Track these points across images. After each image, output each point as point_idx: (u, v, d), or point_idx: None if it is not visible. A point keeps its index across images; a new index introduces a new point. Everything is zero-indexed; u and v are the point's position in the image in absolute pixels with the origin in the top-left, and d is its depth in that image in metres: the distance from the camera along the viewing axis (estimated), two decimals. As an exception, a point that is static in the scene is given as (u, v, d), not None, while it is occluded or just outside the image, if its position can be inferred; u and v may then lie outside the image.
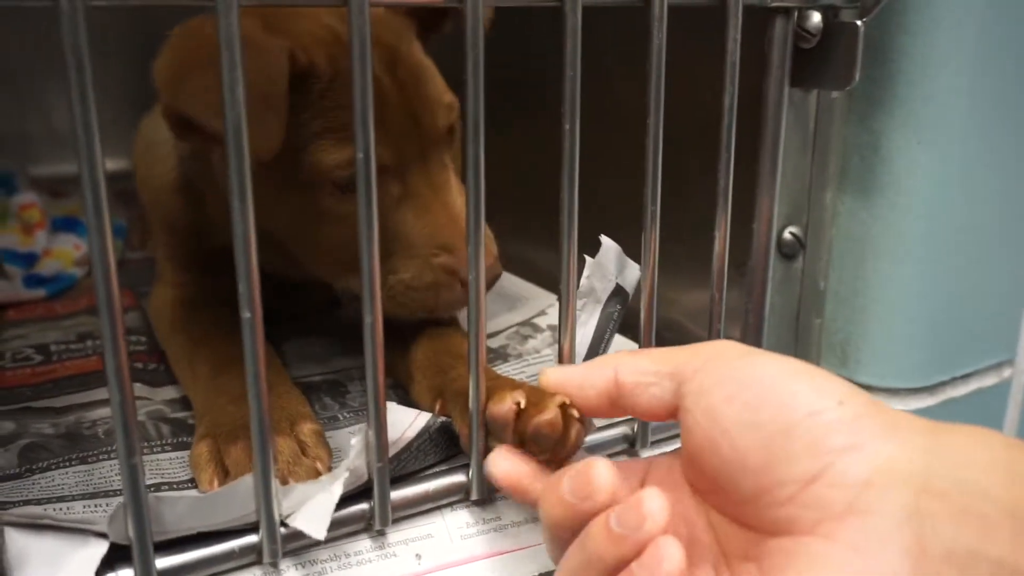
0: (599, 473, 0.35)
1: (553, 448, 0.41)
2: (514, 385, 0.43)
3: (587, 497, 0.35)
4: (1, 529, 0.35)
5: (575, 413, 0.41)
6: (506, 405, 0.41)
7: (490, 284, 0.50)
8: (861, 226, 0.57)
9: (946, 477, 0.31)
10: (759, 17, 0.49)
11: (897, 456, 0.32)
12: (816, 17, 0.49)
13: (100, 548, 0.37)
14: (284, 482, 0.43)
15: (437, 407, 0.48)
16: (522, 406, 0.41)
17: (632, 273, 0.50)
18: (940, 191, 0.55)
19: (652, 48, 0.44)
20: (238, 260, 0.36)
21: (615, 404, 0.39)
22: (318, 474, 0.44)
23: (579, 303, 0.48)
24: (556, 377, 0.41)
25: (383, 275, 0.48)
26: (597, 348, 0.49)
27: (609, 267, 0.50)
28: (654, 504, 0.33)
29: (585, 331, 0.49)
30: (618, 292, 0.50)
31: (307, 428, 0.47)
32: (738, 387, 0.35)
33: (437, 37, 0.55)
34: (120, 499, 0.44)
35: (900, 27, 0.52)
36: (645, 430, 0.49)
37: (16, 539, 0.36)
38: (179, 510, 0.38)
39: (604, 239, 0.49)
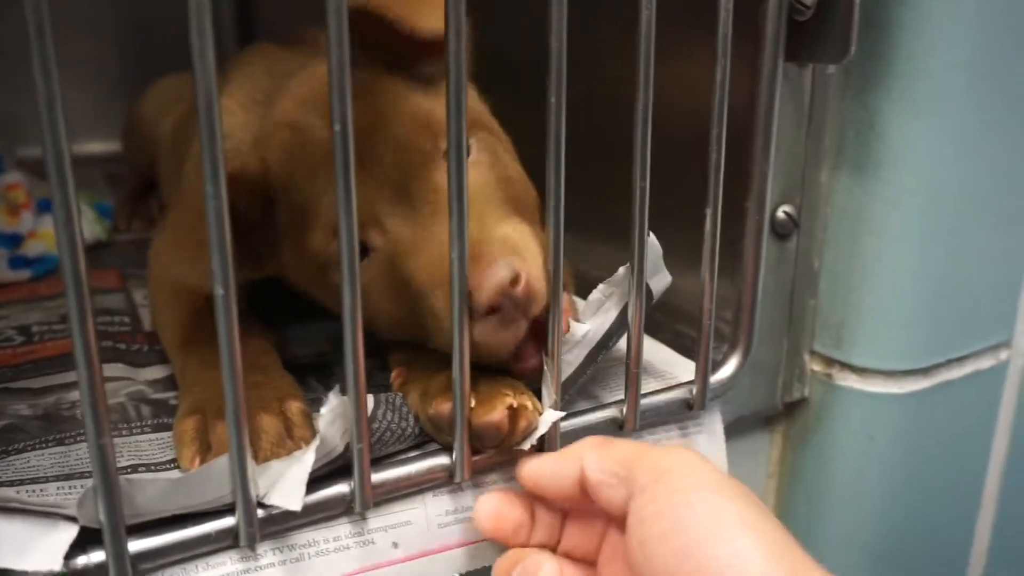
0: None
1: (498, 445, 0.43)
2: (471, 379, 0.42)
3: None
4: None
5: (525, 411, 0.43)
6: (448, 407, 0.42)
7: (533, 288, 0.44)
8: (856, 204, 0.55)
9: None
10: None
11: None
12: (811, -12, 0.48)
13: (70, 532, 0.36)
14: (266, 462, 0.42)
15: (395, 374, 0.48)
16: (472, 405, 0.42)
17: (663, 280, 0.49)
18: (937, 168, 0.54)
19: (641, 20, 0.42)
20: (212, 235, 0.35)
21: (584, 495, 0.41)
22: None
23: (608, 290, 0.47)
24: (529, 473, 0.43)
25: (420, 332, 0.47)
26: (606, 343, 0.48)
27: (647, 265, 0.48)
28: None
29: (604, 319, 0.47)
30: (645, 293, 0.50)
31: (295, 407, 0.45)
32: (671, 528, 0.36)
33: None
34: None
35: (897, 0, 0.51)
36: (635, 414, 0.48)
37: None
38: (152, 492, 0.37)
39: (651, 237, 0.47)
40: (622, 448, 0.40)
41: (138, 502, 0.37)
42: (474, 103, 0.52)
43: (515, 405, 0.42)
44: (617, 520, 0.41)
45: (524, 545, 0.43)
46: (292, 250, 0.50)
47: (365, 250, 0.47)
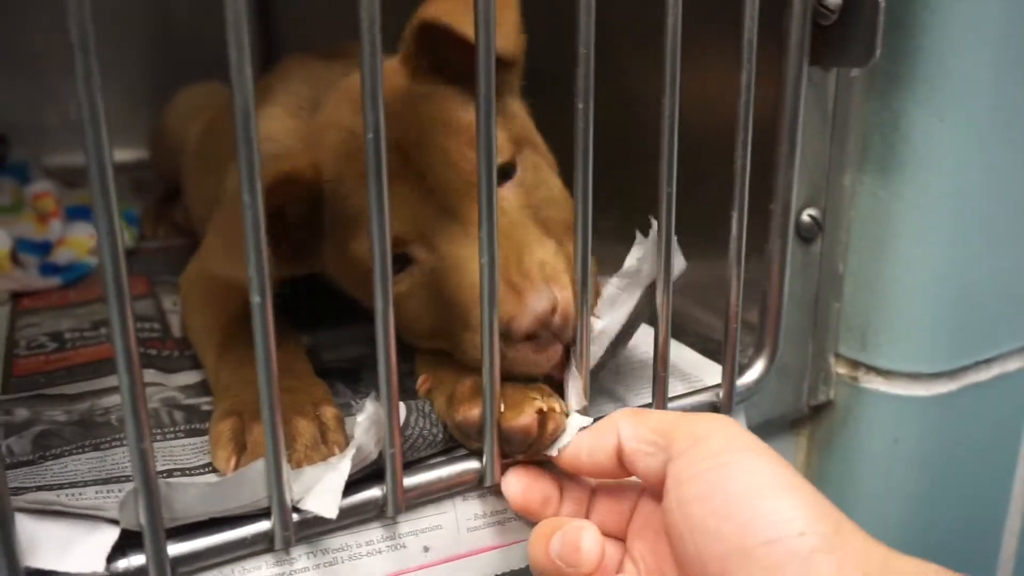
0: (587, 545, 0.40)
1: (526, 450, 0.43)
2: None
3: (572, 565, 0.39)
4: (12, 515, 0.35)
5: (554, 414, 0.43)
6: (476, 412, 0.43)
7: (568, 313, 0.45)
8: (881, 207, 0.55)
9: None
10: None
11: None
12: (835, -7, 0.48)
13: (111, 534, 0.37)
14: (299, 466, 0.42)
15: (420, 380, 0.48)
16: (502, 410, 0.42)
17: (678, 263, 0.48)
18: (962, 170, 0.54)
19: (667, 24, 0.43)
20: (248, 243, 0.36)
21: (622, 466, 0.41)
22: None
23: (622, 282, 0.47)
24: (569, 456, 0.42)
25: (456, 344, 0.47)
26: (625, 337, 0.48)
27: (652, 258, 0.48)
28: None
29: (621, 312, 0.47)
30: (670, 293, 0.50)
31: (330, 412, 0.46)
32: (710, 489, 0.36)
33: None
34: (132, 484, 0.44)
35: (921, 2, 0.51)
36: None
37: (27, 525, 0.36)
38: (190, 496, 0.38)
39: (647, 234, 0.47)
40: (657, 417, 0.41)
41: (176, 506, 0.38)
42: (522, 119, 0.52)
43: (544, 409, 0.42)
44: (651, 489, 0.41)
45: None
46: (336, 251, 0.50)
47: (408, 260, 0.48)
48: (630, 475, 0.41)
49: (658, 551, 0.40)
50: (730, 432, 0.38)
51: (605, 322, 0.47)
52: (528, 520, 0.44)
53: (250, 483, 0.39)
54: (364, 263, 0.48)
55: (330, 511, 0.39)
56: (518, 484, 0.43)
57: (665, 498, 0.38)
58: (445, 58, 0.49)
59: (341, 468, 0.40)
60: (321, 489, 0.39)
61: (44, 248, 0.81)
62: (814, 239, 0.56)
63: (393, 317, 0.45)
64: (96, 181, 0.32)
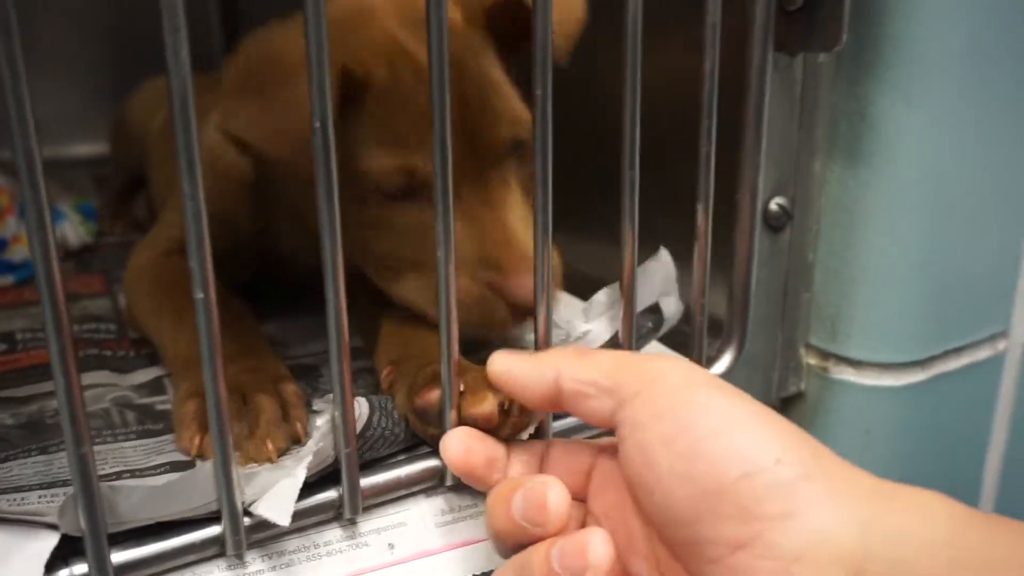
0: (553, 501, 0.35)
1: (494, 431, 0.42)
2: (461, 369, 0.42)
3: (538, 524, 0.35)
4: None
5: (514, 410, 0.41)
6: (435, 394, 0.42)
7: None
8: (850, 195, 0.55)
9: (883, 558, 0.29)
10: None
11: (833, 529, 0.30)
12: (801, -24, 0.47)
13: (50, 540, 0.36)
14: (263, 442, 0.42)
15: (384, 373, 0.48)
16: (460, 392, 0.42)
17: (672, 305, 0.49)
18: (930, 157, 0.53)
19: (628, 11, 0.42)
20: (190, 237, 0.34)
21: (556, 405, 0.38)
22: (298, 438, 0.44)
23: (613, 294, 0.47)
24: (500, 371, 0.39)
25: (428, 283, 0.47)
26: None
27: (654, 280, 0.48)
28: (600, 552, 0.33)
29: (612, 325, 0.47)
30: (654, 311, 0.49)
31: (290, 389, 0.47)
32: (674, 429, 0.33)
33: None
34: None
35: (888, -13, 0.50)
36: None
37: None
38: (134, 500, 0.36)
39: (664, 253, 0.48)
40: (602, 357, 0.37)
41: (121, 509, 0.36)
42: None
43: (505, 405, 0.41)
44: (607, 445, 0.38)
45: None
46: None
47: (419, 193, 0.48)
48: (562, 411, 0.39)
49: (623, 506, 0.37)
50: (687, 369, 0.36)
51: (591, 327, 0.47)
52: (477, 488, 0.41)
53: (200, 486, 0.38)
54: (372, 177, 0.48)
55: (283, 518, 0.37)
56: (459, 445, 0.39)
57: (622, 446, 0.35)
58: (508, 32, 0.50)
59: (297, 474, 0.38)
60: (275, 494, 0.38)
61: (-1, 245, 0.79)
62: (783, 228, 0.55)
63: (371, 253, 0.48)
64: (24, 174, 0.31)
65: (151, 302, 0.57)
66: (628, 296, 0.46)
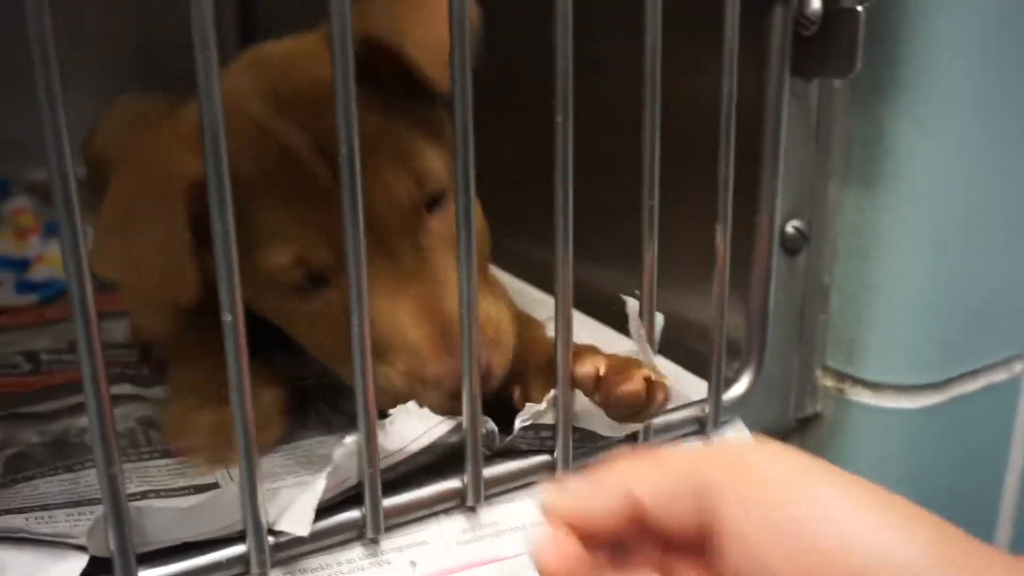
0: None
1: (637, 413, 0.44)
2: (596, 352, 0.45)
3: None
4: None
5: (662, 382, 0.43)
6: (586, 367, 0.43)
7: (496, 376, 0.45)
8: (865, 218, 0.55)
9: None
10: (757, 4, 0.48)
11: None
12: (816, 3, 0.48)
13: (80, 562, 0.36)
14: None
15: (517, 393, 0.47)
16: (601, 372, 0.43)
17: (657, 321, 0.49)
18: (946, 181, 0.54)
19: (647, 31, 0.42)
20: (218, 260, 0.35)
21: (638, 524, 0.33)
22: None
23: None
24: (561, 506, 0.34)
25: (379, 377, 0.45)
26: None
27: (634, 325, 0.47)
28: None
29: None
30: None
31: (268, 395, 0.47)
32: (787, 534, 0.29)
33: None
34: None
35: (901, 12, 0.51)
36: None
37: None
38: (161, 521, 0.37)
39: (629, 301, 0.46)
40: (669, 461, 0.34)
41: (148, 531, 0.37)
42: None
43: (651, 376, 0.43)
44: (679, 543, 0.33)
45: None
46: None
47: (324, 281, 0.45)
48: (635, 534, 0.34)
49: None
50: (772, 451, 0.33)
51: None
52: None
53: (224, 507, 0.38)
54: (268, 275, 0.45)
55: (302, 529, 0.38)
56: (554, 552, 0.33)
57: (721, 545, 0.31)
58: (387, 77, 0.45)
59: (315, 487, 0.39)
60: (295, 508, 0.38)
61: (22, 265, 0.80)
62: (799, 251, 0.56)
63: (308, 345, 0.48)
64: (60, 195, 0.32)
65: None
66: (649, 314, 0.46)
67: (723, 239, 0.47)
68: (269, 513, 0.39)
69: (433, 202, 0.46)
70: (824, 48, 0.49)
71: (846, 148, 0.55)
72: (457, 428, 0.43)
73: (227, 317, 0.35)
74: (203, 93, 0.33)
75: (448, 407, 0.43)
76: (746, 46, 0.46)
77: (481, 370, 0.42)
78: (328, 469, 0.39)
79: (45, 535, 0.37)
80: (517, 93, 0.59)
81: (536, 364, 0.48)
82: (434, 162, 0.46)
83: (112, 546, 0.35)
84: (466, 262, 0.39)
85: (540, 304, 0.68)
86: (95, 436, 0.34)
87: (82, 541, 0.36)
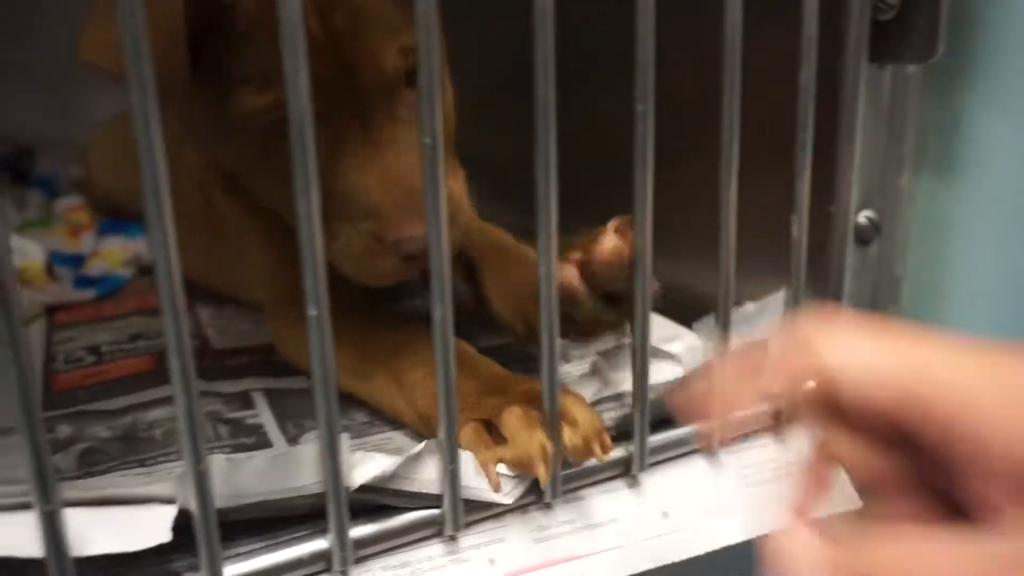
0: None
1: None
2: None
3: None
4: (66, 538, 0.33)
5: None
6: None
7: (418, 249, 0.45)
8: (941, 208, 0.54)
9: None
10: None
11: None
12: (896, -13, 0.47)
13: (170, 510, 0.37)
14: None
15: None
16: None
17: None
18: (1025, 169, 0.52)
19: (727, 23, 0.41)
20: (304, 256, 0.35)
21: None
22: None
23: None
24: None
25: (327, 237, 0.44)
26: None
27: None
28: None
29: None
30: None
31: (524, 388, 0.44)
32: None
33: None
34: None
35: (983, -4, 0.50)
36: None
37: (78, 517, 0.35)
38: (248, 471, 0.37)
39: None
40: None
41: (237, 483, 0.37)
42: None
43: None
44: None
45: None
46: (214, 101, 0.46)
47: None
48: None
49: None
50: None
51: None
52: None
53: (307, 462, 0.39)
54: (244, 117, 0.45)
55: (382, 469, 0.39)
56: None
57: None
58: None
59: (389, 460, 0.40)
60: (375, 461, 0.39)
61: (77, 261, 0.80)
62: (871, 241, 0.55)
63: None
64: (152, 200, 0.31)
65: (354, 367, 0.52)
66: (724, 307, 0.45)
67: (800, 231, 0.46)
68: (353, 479, 0.39)
69: (411, 77, 0.46)
70: (902, 33, 0.48)
71: (919, 136, 0.54)
72: None
73: (312, 312, 0.35)
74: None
75: (402, 270, 0.46)
76: (821, 32, 0.44)
77: (415, 234, 0.43)
78: (416, 449, 0.40)
79: (132, 494, 0.37)
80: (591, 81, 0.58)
81: (491, 265, 0.51)
82: (412, 33, 0.47)
83: (193, 507, 0.35)
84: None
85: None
86: (184, 435, 0.34)
87: (170, 492, 0.37)
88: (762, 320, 0.49)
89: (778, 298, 0.49)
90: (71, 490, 0.37)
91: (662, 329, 0.53)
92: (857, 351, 0.28)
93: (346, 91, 0.45)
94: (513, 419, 0.42)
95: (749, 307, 0.49)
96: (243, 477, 0.38)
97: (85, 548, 0.35)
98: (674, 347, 0.48)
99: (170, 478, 0.39)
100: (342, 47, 0.45)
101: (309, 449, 0.39)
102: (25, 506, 0.35)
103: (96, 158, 0.89)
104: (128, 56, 0.29)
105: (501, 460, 0.41)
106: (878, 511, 0.31)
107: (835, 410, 0.30)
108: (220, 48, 0.45)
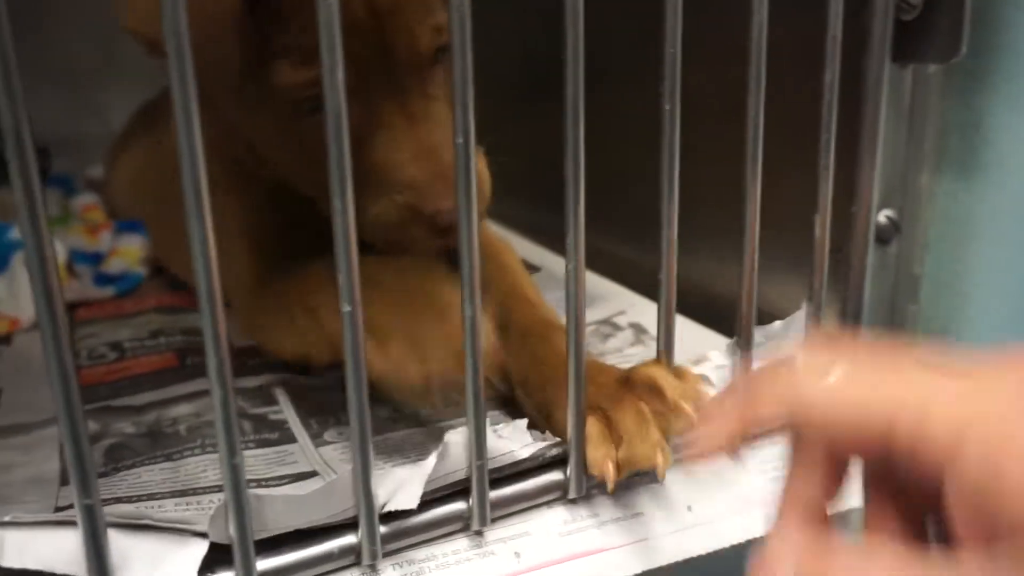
0: None
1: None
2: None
3: None
4: (105, 530, 0.34)
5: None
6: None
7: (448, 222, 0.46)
8: (961, 208, 0.54)
9: None
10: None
11: None
12: (919, -13, 0.47)
13: (201, 547, 0.37)
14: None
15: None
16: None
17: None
18: (1046, 170, 0.52)
19: (753, 26, 0.42)
20: (339, 253, 0.35)
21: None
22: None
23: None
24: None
25: (358, 208, 0.46)
26: None
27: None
28: None
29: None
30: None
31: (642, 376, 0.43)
32: None
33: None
34: (210, 496, 0.44)
35: (1004, -4, 0.50)
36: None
37: (117, 540, 0.36)
38: (279, 508, 0.37)
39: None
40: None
41: (267, 518, 0.37)
42: None
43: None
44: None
45: None
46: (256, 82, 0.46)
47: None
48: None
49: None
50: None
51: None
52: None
53: (338, 495, 0.39)
54: (281, 90, 0.46)
55: (412, 502, 0.39)
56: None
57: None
58: None
59: (425, 465, 0.40)
60: (404, 487, 0.39)
61: (96, 258, 0.81)
62: (890, 240, 0.55)
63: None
64: (191, 195, 0.32)
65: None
66: (747, 315, 0.45)
67: (823, 231, 0.47)
68: (380, 497, 0.39)
69: (439, 54, 0.48)
70: (925, 32, 0.48)
71: (940, 136, 0.54)
72: (560, 443, 0.43)
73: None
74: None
75: (433, 241, 0.46)
76: (844, 32, 0.45)
77: (451, 216, 0.42)
78: (438, 450, 0.40)
79: (166, 522, 0.37)
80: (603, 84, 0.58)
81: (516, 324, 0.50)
82: (443, 11, 0.48)
83: (232, 533, 0.36)
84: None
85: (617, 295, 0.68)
86: (219, 429, 0.34)
87: (202, 528, 0.37)
88: (788, 337, 0.49)
89: (801, 316, 0.49)
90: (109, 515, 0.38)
91: (691, 343, 0.52)
92: (836, 391, 0.29)
93: (383, 68, 0.46)
94: (629, 417, 0.41)
95: (776, 325, 0.49)
96: (273, 512, 0.38)
97: (120, 573, 0.35)
98: (705, 368, 0.48)
99: (197, 510, 0.40)
100: (382, 25, 0.46)
101: (338, 483, 0.39)
102: (61, 523, 0.36)
103: (120, 186, 0.88)
104: (167, 25, 0.30)
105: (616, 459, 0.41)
106: (872, 517, 0.31)
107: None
108: (262, 18, 0.45)
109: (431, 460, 0.40)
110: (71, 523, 0.34)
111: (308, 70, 0.44)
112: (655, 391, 0.42)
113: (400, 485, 0.40)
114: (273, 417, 0.53)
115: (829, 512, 0.32)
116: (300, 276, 0.50)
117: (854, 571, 0.28)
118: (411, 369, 0.41)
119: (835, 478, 0.31)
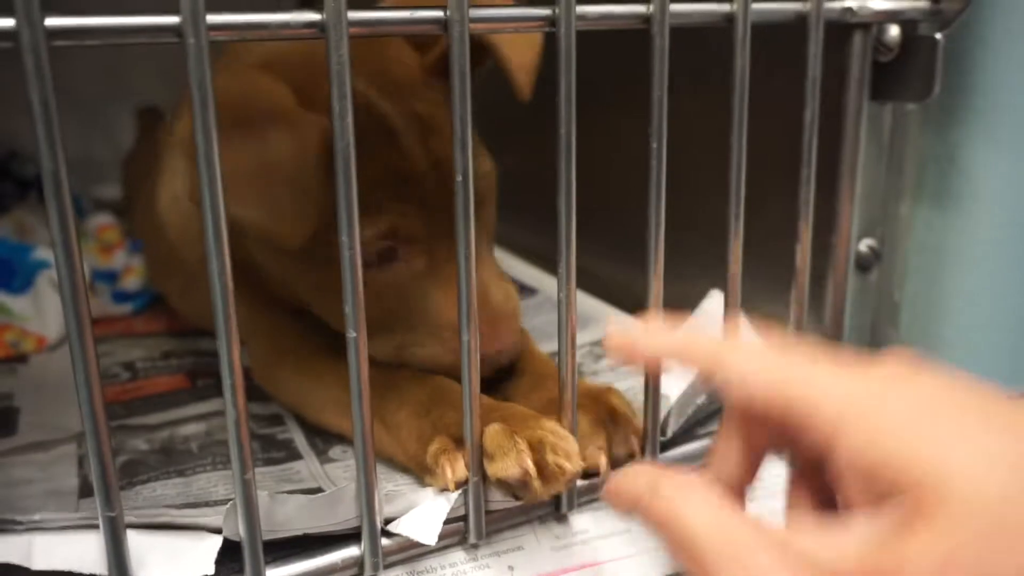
0: None
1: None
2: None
3: None
4: (124, 530, 0.36)
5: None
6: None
7: (507, 359, 0.51)
8: (937, 237, 0.56)
9: None
10: (836, 32, 0.50)
11: None
12: (895, 31, 0.50)
13: (215, 541, 0.39)
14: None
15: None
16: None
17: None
18: (1018, 200, 0.55)
19: (736, 67, 0.44)
20: (345, 282, 0.37)
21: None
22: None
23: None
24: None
25: (402, 343, 0.50)
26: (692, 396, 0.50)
27: (716, 318, 0.50)
28: None
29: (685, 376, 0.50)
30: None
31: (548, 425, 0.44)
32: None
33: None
34: (220, 509, 0.46)
35: (976, 39, 0.52)
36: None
37: (136, 540, 0.38)
38: (289, 508, 0.40)
39: (716, 293, 0.49)
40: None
41: (278, 518, 0.40)
42: None
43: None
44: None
45: None
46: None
47: (394, 254, 0.49)
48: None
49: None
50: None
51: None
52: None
53: (345, 502, 0.41)
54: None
55: (430, 537, 0.41)
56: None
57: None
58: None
59: (450, 496, 0.42)
60: (420, 513, 0.41)
61: (111, 277, 0.84)
62: (871, 268, 0.57)
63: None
64: (211, 233, 0.34)
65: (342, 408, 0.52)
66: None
67: (803, 260, 0.49)
68: (386, 511, 0.42)
69: (480, 201, 0.49)
70: (901, 73, 0.51)
71: (918, 168, 0.56)
72: None
73: (352, 335, 0.38)
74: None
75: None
76: (826, 71, 0.47)
77: (505, 347, 0.49)
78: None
79: (183, 517, 0.40)
80: (593, 106, 0.61)
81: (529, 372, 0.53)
82: (486, 163, 0.53)
83: (242, 533, 0.38)
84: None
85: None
86: (233, 445, 0.37)
87: (217, 523, 0.39)
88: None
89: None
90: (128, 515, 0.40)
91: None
92: (753, 362, 0.33)
93: (444, 214, 0.45)
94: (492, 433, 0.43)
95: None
96: (284, 513, 0.40)
97: (139, 571, 0.38)
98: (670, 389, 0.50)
99: (217, 512, 0.42)
100: (443, 174, 0.47)
101: (347, 491, 0.41)
102: (84, 527, 0.39)
103: (145, 224, 0.81)
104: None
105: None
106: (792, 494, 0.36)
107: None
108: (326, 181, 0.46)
109: (455, 495, 0.42)
110: (94, 527, 0.37)
111: (372, 226, 0.46)
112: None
113: (411, 506, 0.42)
114: (280, 437, 0.56)
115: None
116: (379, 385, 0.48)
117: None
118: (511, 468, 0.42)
119: (754, 458, 0.36)
